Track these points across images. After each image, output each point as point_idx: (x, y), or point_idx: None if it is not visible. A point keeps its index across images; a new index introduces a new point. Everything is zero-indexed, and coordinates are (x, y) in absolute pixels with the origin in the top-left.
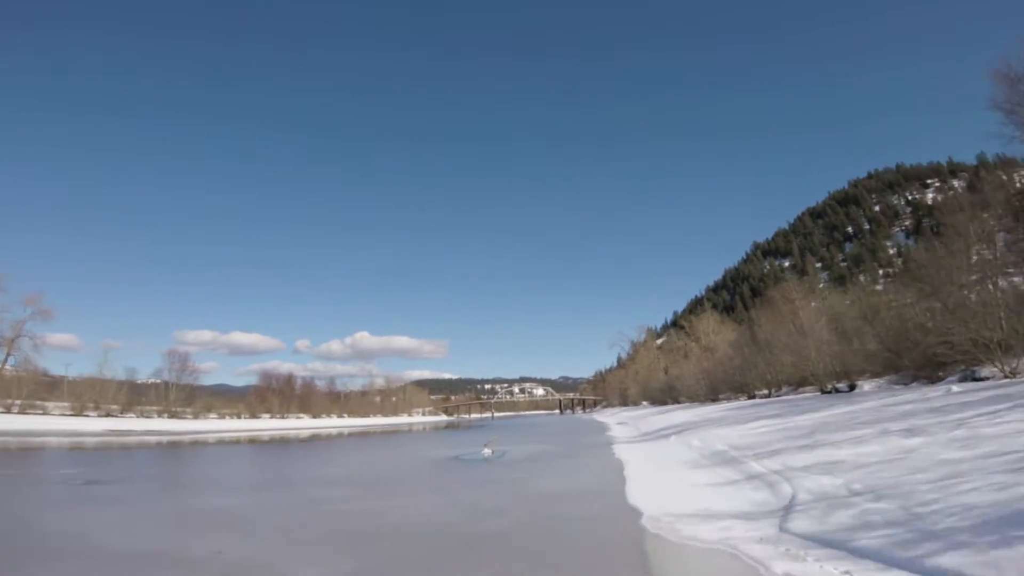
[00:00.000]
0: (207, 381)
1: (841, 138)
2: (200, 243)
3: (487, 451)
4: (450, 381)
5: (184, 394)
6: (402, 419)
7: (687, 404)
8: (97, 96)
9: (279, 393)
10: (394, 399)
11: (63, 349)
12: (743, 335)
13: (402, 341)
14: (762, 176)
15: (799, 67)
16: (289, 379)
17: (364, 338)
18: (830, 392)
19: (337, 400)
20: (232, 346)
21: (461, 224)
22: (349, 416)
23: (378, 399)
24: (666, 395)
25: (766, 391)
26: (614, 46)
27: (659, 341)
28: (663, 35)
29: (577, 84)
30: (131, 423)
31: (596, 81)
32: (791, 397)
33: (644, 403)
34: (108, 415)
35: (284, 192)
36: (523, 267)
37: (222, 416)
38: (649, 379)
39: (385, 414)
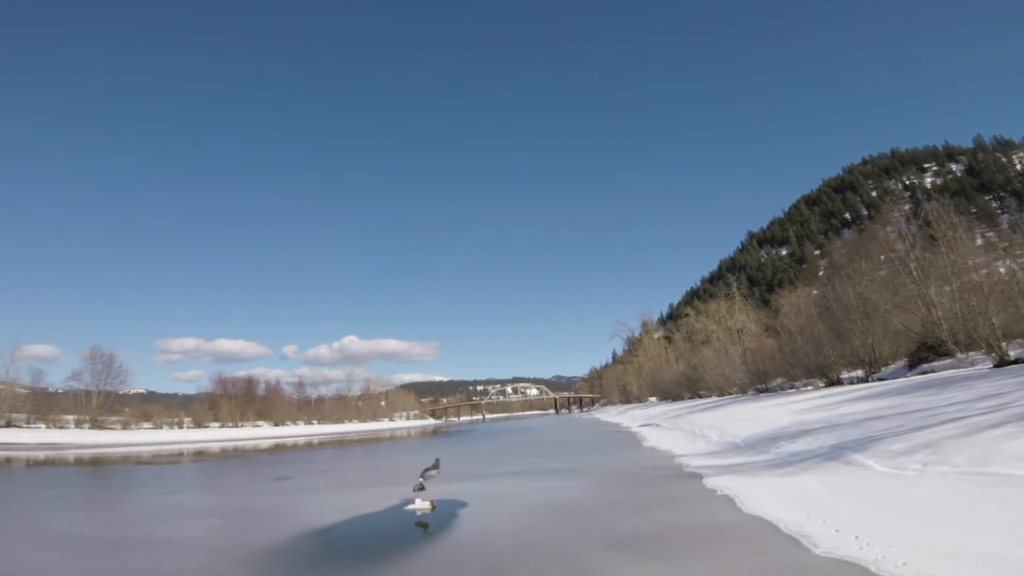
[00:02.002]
0: (191, 390)
1: (832, 125)
2: (183, 248)
3: (420, 503)
4: (441, 383)
5: (110, 401)
6: (382, 424)
7: (729, 398)
8: (78, 96)
9: (233, 399)
10: (383, 403)
11: (43, 360)
12: (810, 305)
13: (391, 344)
14: (753, 165)
15: (786, 54)
16: (249, 383)
17: (353, 342)
18: (1016, 362)
19: (307, 406)
20: (217, 354)
21: (449, 224)
22: (320, 423)
23: (357, 403)
24: (683, 388)
25: (860, 372)
26: (601, 37)
27: (656, 335)
28: (651, 24)
29: (567, 77)
30: (26, 435)
31: (585, 74)
32: (924, 378)
33: (651, 399)
34: (10, 425)
35: (268, 194)
36: (513, 266)
37: (158, 426)
38: (659, 372)
39: (363, 419)
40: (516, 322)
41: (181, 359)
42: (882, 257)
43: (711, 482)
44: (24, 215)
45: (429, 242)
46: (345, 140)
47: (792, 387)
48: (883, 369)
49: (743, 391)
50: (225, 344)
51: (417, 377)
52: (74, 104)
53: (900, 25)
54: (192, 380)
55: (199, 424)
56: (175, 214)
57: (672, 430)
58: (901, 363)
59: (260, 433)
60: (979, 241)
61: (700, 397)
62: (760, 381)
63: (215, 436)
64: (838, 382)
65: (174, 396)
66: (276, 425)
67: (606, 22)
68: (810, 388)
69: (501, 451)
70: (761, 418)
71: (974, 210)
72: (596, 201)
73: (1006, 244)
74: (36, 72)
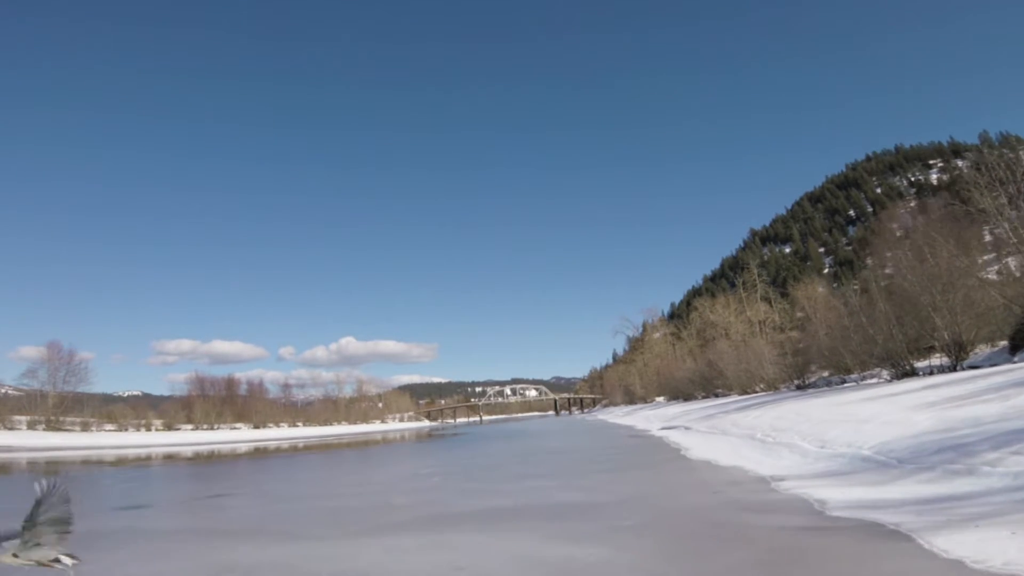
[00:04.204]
0: (187, 392)
1: (834, 122)
2: (177, 248)
3: None
4: (439, 385)
5: (69, 402)
6: (373, 427)
7: (762, 396)
8: (73, 93)
9: (210, 400)
10: (380, 404)
11: (37, 362)
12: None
13: (389, 345)
14: (755, 163)
15: (787, 51)
16: (229, 383)
17: (350, 343)
18: None
19: (293, 407)
20: (214, 355)
21: (447, 223)
22: (305, 425)
23: (347, 405)
24: (696, 387)
25: (939, 360)
26: (599, 28)
27: (656, 336)
28: (650, 17)
29: (564, 70)
30: None
31: (582, 67)
32: None
33: (658, 399)
34: None
35: (264, 192)
36: (512, 267)
37: (122, 428)
38: (667, 370)
39: (352, 421)
40: (515, 323)
41: (177, 361)
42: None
43: (977, 560)
44: (18, 214)
45: (427, 242)
46: (343, 139)
47: (843, 381)
48: (970, 355)
49: (772, 388)
50: (221, 346)
51: (415, 379)
52: (69, 101)
53: (902, 21)
54: (188, 383)
55: (169, 427)
56: (169, 213)
57: (716, 435)
58: (992, 347)
59: (236, 436)
60: (988, 237)
61: (717, 396)
62: (798, 375)
63: (184, 439)
64: (912, 372)
65: (169, 399)
66: (256, 427)
67: (604, 12)
68: (874, 380)
69: (490, 464)
70: (865, 417)
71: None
72: (595, 199)
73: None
74: (32, 68)
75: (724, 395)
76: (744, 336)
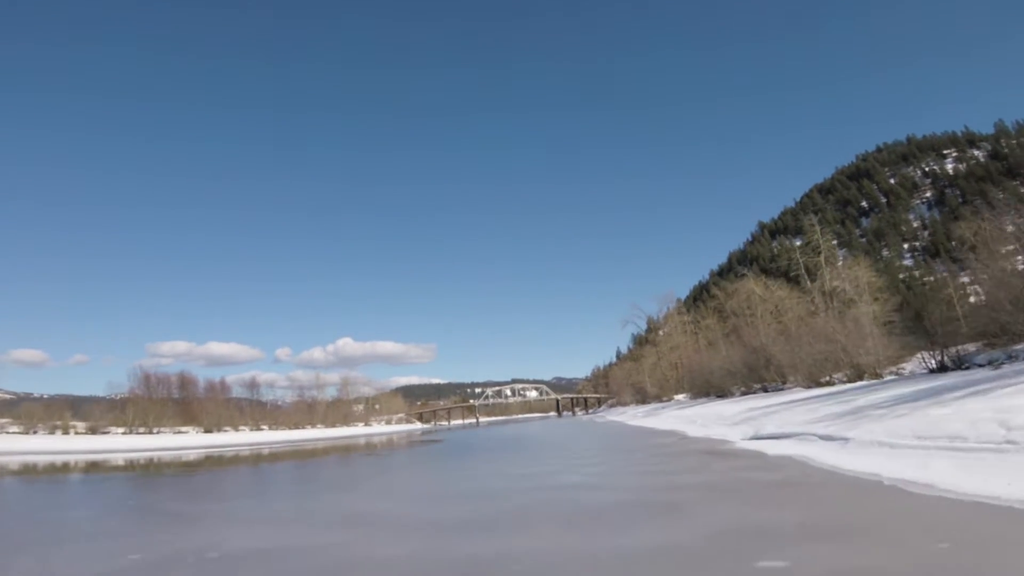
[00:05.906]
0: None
1: (843, 113)
2: (172, 249)
3: None
4: (438, 386)
5: None
6: (354, 430)
7: (875, 383)
8: (72, 87)
9: (151, 400)
10: (376, 407)
11: (30, 365)
12: None
13: (387, 346)
14: (760, 156)
15: (788, 48)
16: (182, 381)
17: (347, 344)
18: None
19: (259, 409)
20: (209, 357)
21: (445, 221)
22: (272, 428)
23: (325, 406)
24: (735, 380)
25: None
26: (600, 11)
27: (661, 333)
28: (651, 2)
29: (561, 55)
30: None
31: (578, 51)
32: None
33: (678, 397)
34: None
35: (260, 192)
36: (511, 267)
37: (28, 431)
38: (694, 362)
39: (330, 424)
40: (515, 323)
41: (172, 363)
42: None
43: None
44: (12, 214)
45: (425, 241)
46: (340, 136)
47: (1010, 356)
48: None
49: (871, 374)
50: (217, 347)
51: (414, 380)
52: (67, 92)
53: (912, 10)
54: (130, 380)
55: (94, 430)
56: (163, 212)
57: (981, 453)
58: None
59: (176, 442)
60: (1010, 228)
61: (766, 391)
62: (937, 351)
63: (101, 445)
64: None
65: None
66: (208, 431)
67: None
68: None
69: (440, 520)
70: None
71: (1002, 195)
72: (595, 194)
73: None
74: (20, 57)
75: (777, 388)
76: (800, 315)
